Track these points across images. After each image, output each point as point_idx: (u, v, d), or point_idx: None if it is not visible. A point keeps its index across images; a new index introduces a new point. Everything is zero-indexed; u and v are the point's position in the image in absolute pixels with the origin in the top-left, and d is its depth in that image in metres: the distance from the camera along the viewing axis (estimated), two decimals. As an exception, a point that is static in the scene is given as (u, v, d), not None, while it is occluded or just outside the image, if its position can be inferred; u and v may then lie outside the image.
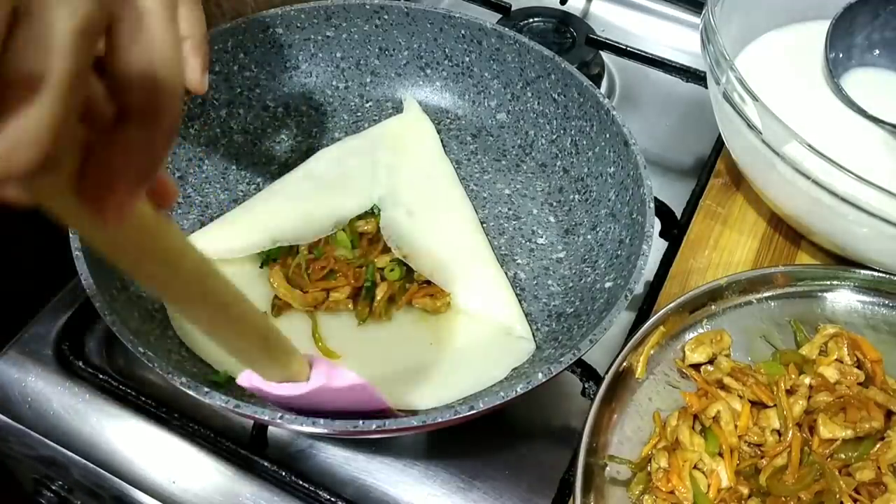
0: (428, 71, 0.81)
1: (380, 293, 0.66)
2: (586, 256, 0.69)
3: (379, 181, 0.72)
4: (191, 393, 0.51)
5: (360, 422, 0.51)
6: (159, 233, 0.34)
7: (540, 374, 0.53)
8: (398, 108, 0.81)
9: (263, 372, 0.45)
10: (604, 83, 0.94)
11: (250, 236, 0.67)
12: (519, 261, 0.70)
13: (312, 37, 0.79)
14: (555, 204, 0.74)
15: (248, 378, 0.47)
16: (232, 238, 0.67)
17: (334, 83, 0.81)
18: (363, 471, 0.63)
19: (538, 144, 0.78)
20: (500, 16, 0.95)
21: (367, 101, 0.81)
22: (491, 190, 0.76)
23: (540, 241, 0.72)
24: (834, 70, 0.76)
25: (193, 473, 0.62)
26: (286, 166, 0.76)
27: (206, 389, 0.51)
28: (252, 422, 0.62)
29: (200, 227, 0.69)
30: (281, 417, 0.51)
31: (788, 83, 0.77)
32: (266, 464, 0.61)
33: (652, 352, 0.60)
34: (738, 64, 0.73)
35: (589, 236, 0.70)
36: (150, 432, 0.63)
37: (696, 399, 0.58)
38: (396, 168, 0.73)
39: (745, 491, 0.54)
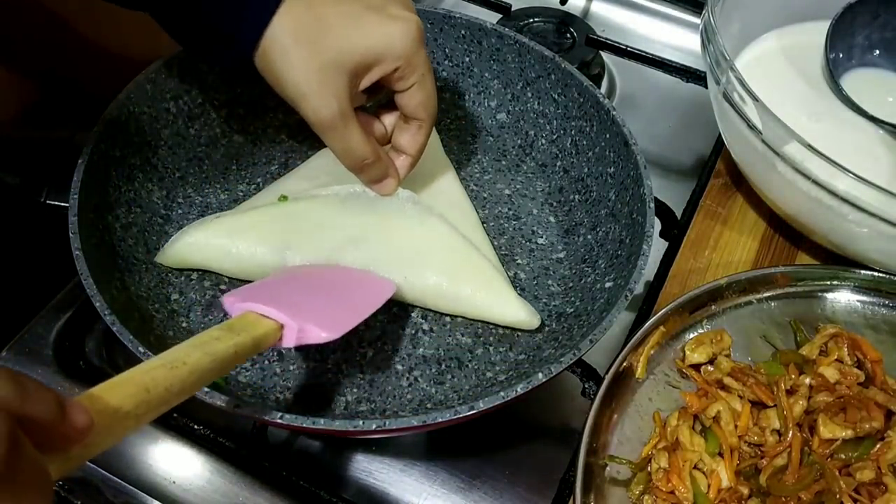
0: (428, 71, 0.81)
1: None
2: (586, 256, 0.69)
3: (379, 181, 0.72)
4: (191, 393, 0.51)
5: (360, 422, 0.51)
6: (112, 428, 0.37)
7: (540, 374, 0.53)
8: (398, 108, 0.81)
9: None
10: (604, 83, 0.94)
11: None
12: (519, 261, 0.70)
13: (312, 37, 0.79)
14: (555, 204, 0.74)
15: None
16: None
17: (334, 83, 0.81)
18: (363, 471, 0.63)
19: (538, 144, 0.78)
20: (500, 16, 0.95)
21: (368, 102, 0.81)
22: (491, 190, 0.76)
23: (540, 241, 0.72)
24: (834, 70, 0.76)
25: (193, 473, 0.62)
26: (286, 166, 0.76)
27: (206, 389, 0.51)
28: (252, 422, 0.62)
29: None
30: (281, 417, 0.51)
31: (788, 83, 0.77)
32: (266, 464, 0.61)
33: (652, 352, 0.60)
34: (738, 64, 0.73)
35: (589, 236, 0.70)
36: (150, 432, 0.63)
37: (696, 399, 0.58)
38: (396, 168, 0.73)
39: (745, 491, 0.54)
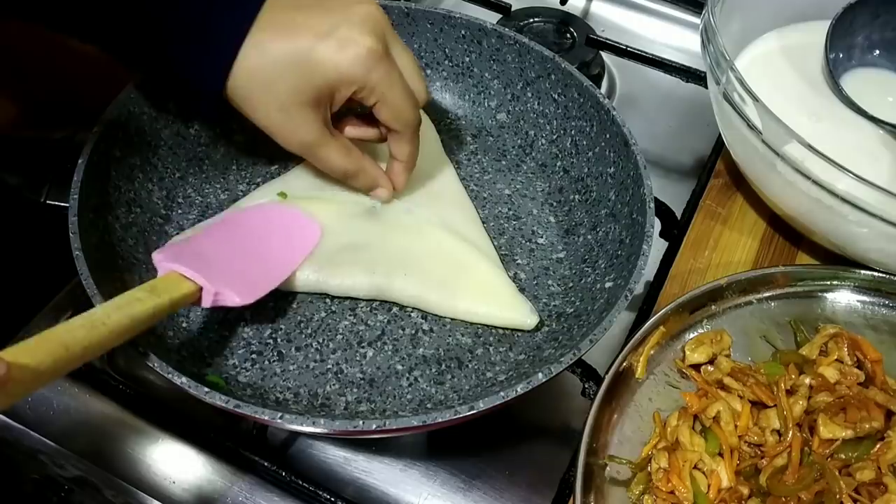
0: (428, 71, 0.81)
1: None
2: (586, 256, 0.69)
3: (379, 181, 0.72)
4: (191, 393, 0.51)
5: (360, 422, 0.51)
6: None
7: (540, 374, 0.53)
8: (398, 108, 0.81)
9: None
10: (604, 83, 0.94)
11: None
12: (519, 261, 0.70)
13: (312, 37, 0.79)
14: (555, 204, 0.74)
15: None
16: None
17: (334, 83, 0.81)
18: (363, 471, 0.63)
19: (538, 144, 0.78)
20: (500, 16, 0.95)
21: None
22: (491, 190, 0.76)
23: (540, 241, 0.72)
24: (834, 70, 0.76)
25: (193, 473, 0.62)
26: (286, 166, 0.76)
27: (206, 389, 0.51)
28: (252, 422, 0.62)
29: (200, 227, 0.69)
30: (281, 417, 0.51)
31: (788, 83, 0.77)
32: (266, 464, 0.61)
33: (652, 352, 0.60)
34: (738, 64, 0.73)
35: (589, 236, 0.70)
36: (150, 432, 0.63)
37: (696, 399, 0.58)
38: (396, 168, 0.73)
39: (745, 491, 0.54)
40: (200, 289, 0.56)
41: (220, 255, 0.60)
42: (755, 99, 0.63)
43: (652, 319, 0.60)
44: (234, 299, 0.57)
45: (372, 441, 0.64)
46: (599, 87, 0.78)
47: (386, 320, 0.65)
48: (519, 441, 0.65)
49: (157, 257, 0.57)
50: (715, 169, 0.79)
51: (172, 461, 0.62)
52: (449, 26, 0.78)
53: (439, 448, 0.64)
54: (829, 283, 0.65)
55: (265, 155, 0.76)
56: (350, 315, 0.66)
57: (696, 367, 0.61)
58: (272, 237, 0.65)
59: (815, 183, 0.61)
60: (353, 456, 0.64)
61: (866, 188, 0.58)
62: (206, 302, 0.56)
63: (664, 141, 0.90)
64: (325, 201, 0.69)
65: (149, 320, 0.51)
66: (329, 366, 0.63)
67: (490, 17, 0.85)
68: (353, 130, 0.67)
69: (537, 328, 0.65)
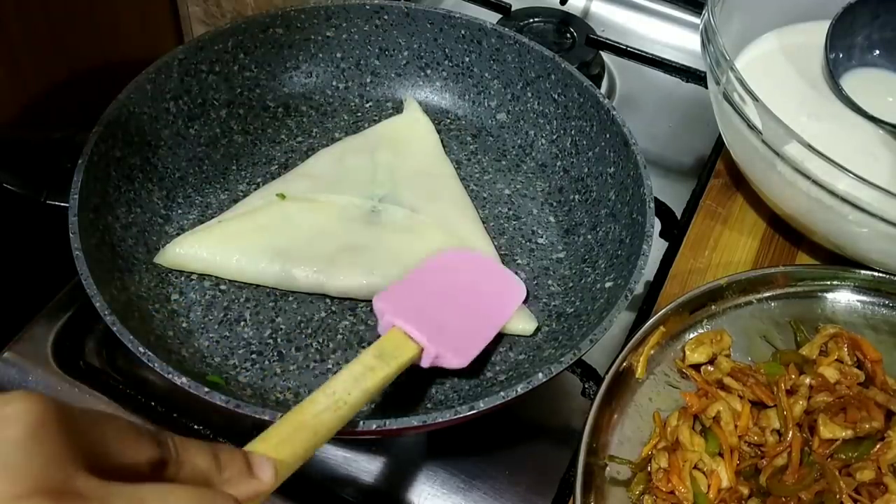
0: (428, 71, 0.81)
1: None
2: (586, 256, 0.69)
3: (379, 181, 0.72)
4: (191, 393, 0.51)
5: (361, 422, 0.51)
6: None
7: (540, 374, 0.53)
8: (398, 108, 0.81)
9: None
10: (604, 83, 0.94)
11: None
12: (519, 261, 0.70)
13: (312, 37, 0.79)
14: (555, 204, 0.74)
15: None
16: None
17: (334, 83, 0.81)
18: (363, 471, 0.63)
19: (538, 144, 0.78)
20: (500, 16, 0.95)
21: (367, 101, 0.81)
22: (491, 190, 0.76)
23: (540, 241, 0.72)
24: (834, 70, 0.76)
25: (193, 473, 0.62)
26: (286, 166, 0.76)
27: (207, 389, 0.51)
28: (252, 422, 0.61)
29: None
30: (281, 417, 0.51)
31: (788, 83, 0.77)
32: (266, 464, 0.61)
33: (652, 352, 0.60)
34: (738, 64, 0.73)
35: (589, 236, 0.70)
36: (150, 432, 0.63)
37: (696, 399, 0.58)
38: (396, 168, 0.73)
39: (745, 491, 0.54)
40: (422, 349, 0.55)
41: (437, 308, 0.59)
42: (755, 99, 0.63)
43: (652, 319, 0.60)
44: (452, 362, 0.57)
45: (372, 441, 0.64)
46: (599, 87, 0.78)
47: (386, 320, 0.65)
48: (519, 441, 0.65)
49: (380, 306, 0.57)
50: (715, 169, 0.79)
51: (172, 461, 0.62)
52: (449, 26, 0.78)
53: (439, 448, 0.64)
54: (829, 283, 0.65)
55: (265, 155, 0.76)
56: (350, 315, 0.66)
57: (696, 367, 0.61)
58: (484, 289, 0.64)
59: (815, 183, 0.61)
60: (353, 456, 0.64)
61: (866, 188, 0.58)
62: (426, 363, 0.56)
63: (664, 141, 0.89)
64: (325, 202, 0.69)
65: (380, 389, 0.51)
66: (329, 366, 0.63)
67: (490, 17, 0.85)
68: None
69: (537, 329, 0.65)
